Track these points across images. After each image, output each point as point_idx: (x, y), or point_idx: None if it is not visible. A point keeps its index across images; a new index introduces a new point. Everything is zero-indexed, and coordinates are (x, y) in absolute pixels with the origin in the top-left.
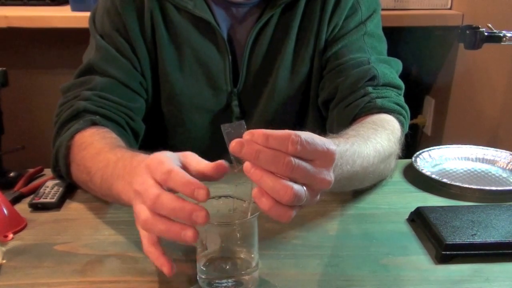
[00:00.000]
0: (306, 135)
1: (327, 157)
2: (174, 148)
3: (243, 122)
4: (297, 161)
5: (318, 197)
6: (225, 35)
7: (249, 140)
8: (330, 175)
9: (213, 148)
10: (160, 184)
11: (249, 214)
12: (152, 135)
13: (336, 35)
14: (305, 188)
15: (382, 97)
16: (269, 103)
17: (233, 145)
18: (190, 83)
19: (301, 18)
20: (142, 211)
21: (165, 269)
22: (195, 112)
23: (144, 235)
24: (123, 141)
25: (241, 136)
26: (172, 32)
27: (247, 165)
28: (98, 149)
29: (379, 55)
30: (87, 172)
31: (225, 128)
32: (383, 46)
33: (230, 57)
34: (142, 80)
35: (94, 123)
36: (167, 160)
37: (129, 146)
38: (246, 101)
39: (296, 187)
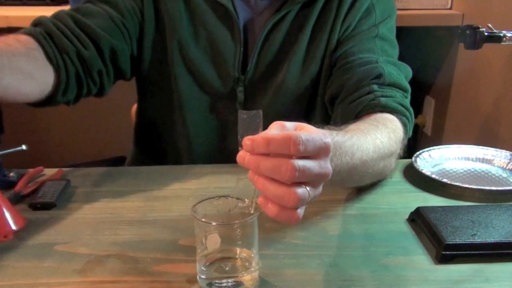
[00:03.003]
0: (305, 134)
1: (325, 150)
2: (172, 127)
3: (260, 112)
4: (300, 163)
5: (321, 188)
6: (241, 25)
7: (250, 150)
8: (327, 167)
9: (217, 128)
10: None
11: (252, 209)
12: (152, 114)
13: (348, 35)
14: (308, 188)
15: (387, 96)
16: (277, 96)
17: (238, 156)
18: (202, 60)
19: (317, 17)
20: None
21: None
22: (201, 90)
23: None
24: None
25: (255, 126)
26: (190, 11)
27: (250, 173)
28: None
29: (388, 58)
30: None
31: (241, 114)
32: (394, 51)
33: (242, 45)
34: (131, 27)
35: (30, 34)
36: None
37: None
38: (251, 89)
39: (299, 190)
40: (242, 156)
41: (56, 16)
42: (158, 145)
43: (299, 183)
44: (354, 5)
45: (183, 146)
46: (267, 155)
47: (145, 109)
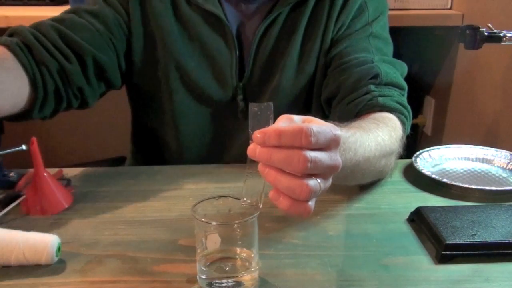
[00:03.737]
0: (316, 126)
1: (335, 142)
2: (174, 139)
3: (271, 104)
4: (312, 155)
5: (331, 180)
6: (233, 31)
7: (261, 142)
8: (338, 158)
9: (215, 139)
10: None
11: (261, 204)
12: (145, 125)
13: (341, 35)
14: (318, 180)
15: (384, 96)
16: (274, 98)
17: (249, 149)
18: (199, 72)
19: (309, 17)
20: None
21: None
22: (198, 103)
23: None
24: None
25: (266, 118)
26: (182, 24)
27: (261, 165)
28: None
29: (383, 56)
30: None
31: (252, 107)
32: (389, 48)
33: (237, 52)
34: (117, 42)
35: (4, 44)
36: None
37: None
38: (251, 95)
39: (311, 182)
40: (253, 149)
41: (36, 27)
42: (154, 155)
43: (310, 175)
44: (346, 4)
45: (177, 158)
46: (278, 147)
47: (137, 119)
